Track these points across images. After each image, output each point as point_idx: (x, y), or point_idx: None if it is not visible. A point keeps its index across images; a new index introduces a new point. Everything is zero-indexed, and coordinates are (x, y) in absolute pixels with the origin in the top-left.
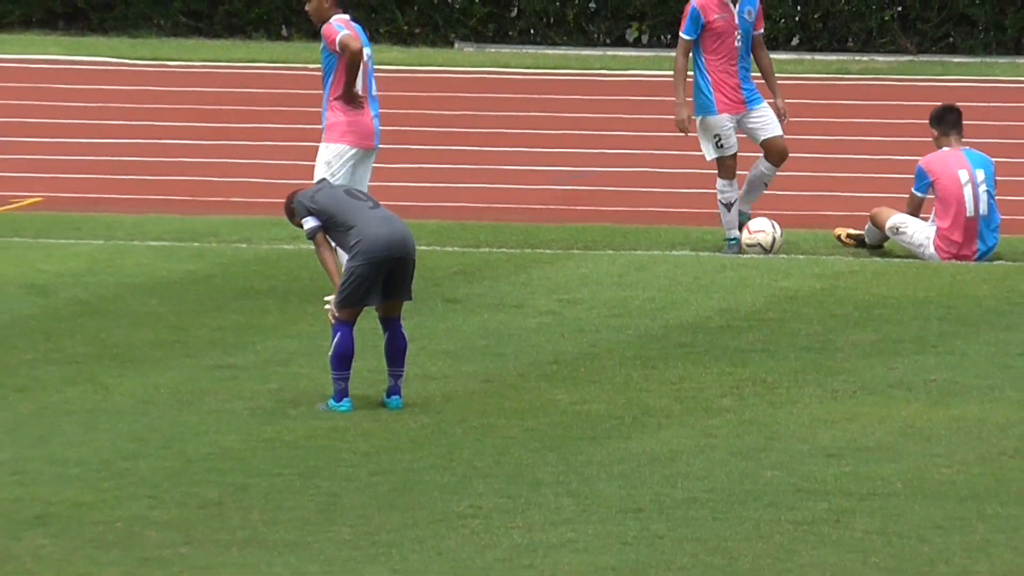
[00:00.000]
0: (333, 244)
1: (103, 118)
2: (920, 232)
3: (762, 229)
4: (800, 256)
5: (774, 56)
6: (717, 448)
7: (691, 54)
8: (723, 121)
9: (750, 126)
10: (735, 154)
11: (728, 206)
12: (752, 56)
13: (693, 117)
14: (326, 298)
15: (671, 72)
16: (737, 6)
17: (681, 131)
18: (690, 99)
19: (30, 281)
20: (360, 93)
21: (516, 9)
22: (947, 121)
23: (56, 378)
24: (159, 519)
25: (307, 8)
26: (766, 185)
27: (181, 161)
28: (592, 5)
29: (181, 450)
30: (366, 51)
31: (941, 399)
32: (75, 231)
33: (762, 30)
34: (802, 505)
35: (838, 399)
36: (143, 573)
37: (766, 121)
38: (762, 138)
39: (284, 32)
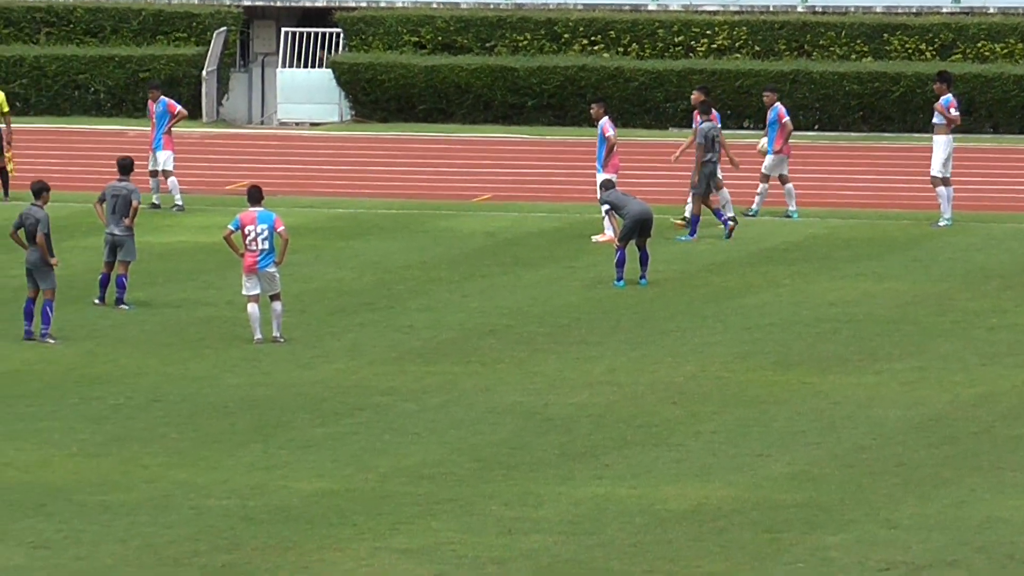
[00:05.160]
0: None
1: (534, 163)
2: None
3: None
4: None
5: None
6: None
7: None
8: None
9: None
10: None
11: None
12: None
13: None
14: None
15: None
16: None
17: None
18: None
19: (484, 230)
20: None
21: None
22: None
23: (493, 271)
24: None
25: (592, 113)
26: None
27: (553, 184)
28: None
29: (563, 301)
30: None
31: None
32: (501, 210)
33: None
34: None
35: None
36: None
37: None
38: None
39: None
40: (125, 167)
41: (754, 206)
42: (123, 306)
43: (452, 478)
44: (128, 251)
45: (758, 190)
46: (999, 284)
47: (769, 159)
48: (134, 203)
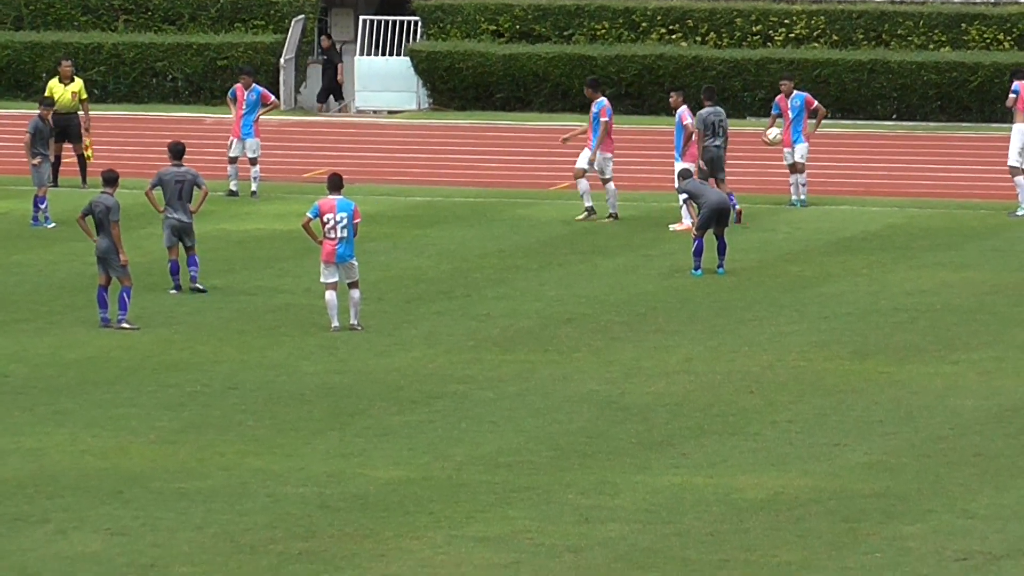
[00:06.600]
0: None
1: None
2: None
3: None
4: None
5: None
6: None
7: None
8: None
9: None
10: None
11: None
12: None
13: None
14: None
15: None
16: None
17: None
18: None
19: (561, 218)
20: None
21: None
22: None
23: (570, 260)
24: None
25: (671, 102)
26: None
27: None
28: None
29: (640, 290)
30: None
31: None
32: (578, 199)
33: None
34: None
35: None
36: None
37: None
38: None
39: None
40: (178, 152)
41: (802, 197)
42: (199, 286)
43: (529, 466)
44: (192, 236)
45: (801, 181)
46: None
47: (802, 147)
48: (203, 188)
